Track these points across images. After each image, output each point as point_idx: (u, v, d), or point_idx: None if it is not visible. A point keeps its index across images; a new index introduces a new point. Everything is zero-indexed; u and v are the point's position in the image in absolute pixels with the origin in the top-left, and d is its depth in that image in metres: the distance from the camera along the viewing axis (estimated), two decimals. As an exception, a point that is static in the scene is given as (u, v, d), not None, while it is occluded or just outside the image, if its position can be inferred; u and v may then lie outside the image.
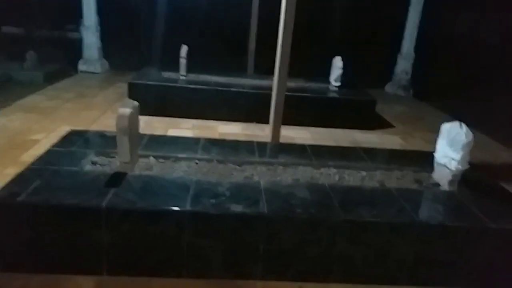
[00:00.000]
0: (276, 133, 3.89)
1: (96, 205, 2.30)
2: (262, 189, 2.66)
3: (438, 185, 3.04)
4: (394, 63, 8.41)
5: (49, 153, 2.98)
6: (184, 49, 5.81)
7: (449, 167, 2.93)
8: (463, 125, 2.88)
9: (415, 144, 5.14)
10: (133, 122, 2.71)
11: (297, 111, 5.05)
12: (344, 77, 6.13)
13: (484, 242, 2.50)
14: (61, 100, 5.84)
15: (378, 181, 3.06)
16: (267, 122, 4.04)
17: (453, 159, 2.90)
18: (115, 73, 7.91)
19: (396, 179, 3.12)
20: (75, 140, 3.22)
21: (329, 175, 3.08)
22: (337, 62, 5.98)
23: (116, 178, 2.63)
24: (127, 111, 2.65)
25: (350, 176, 3.09)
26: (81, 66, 7.88)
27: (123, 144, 2.68)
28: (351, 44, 8.03)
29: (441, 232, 2.48)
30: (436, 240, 2.48)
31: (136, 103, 2.78)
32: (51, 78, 6.85)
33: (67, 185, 2.49)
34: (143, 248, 2.40)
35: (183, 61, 5.84)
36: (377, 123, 5.81)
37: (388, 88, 8.45)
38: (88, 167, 2.83)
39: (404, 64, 8.30)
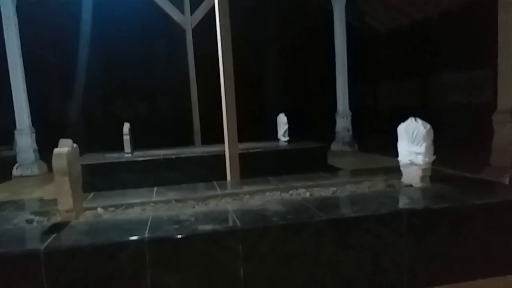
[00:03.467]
0: (235, 175, 3.67)
1: (34, 249, 1.86)
2: (230, 211, 2.37)
3: (410, 185, 2.92)
4: (334, 122, 8.79)
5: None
6: (126, 126, 5.64)
7: (417, 162, 2.85)
8: (418, 119, 2.89)
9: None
10: (72, 162, 2.39)
11: (252, 168, 4.91)
12: (290, 135, 6.22)
13: (472, 220, 2.33)
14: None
15: (350, 192, 2.88)
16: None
17: (418, 153, 2.84)
18: (54, 173, 7.39)
19: (368, 187, 2.96)
20: (5, 207, 2.76)
21: (299, 194, 2.85)
22: (282, 118, 6.09)
23: (57, 226, 2.21)
24: (64, 149, 2.35)
25: (320, 192, 2.88)
26: (15, 171, 7.30)
27: (63, 187, 2.32)
28: (291, 105, 8.36)
29: (430, 216, 2.28)
30: (426, 226, 2.27)
31: (74, 144, 2.49)
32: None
33: (-5, 240, 2.03)
34: (96, 298, 1.92)
35: (126, 139, 5.62)
36: (332, 170, 5.77)
37: (334, 146, 8.68)
38: (22, 224, 2.37)
39: (343, 122, 8.67)
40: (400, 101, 9.60)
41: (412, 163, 2.89)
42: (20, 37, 7.07)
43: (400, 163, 3.04)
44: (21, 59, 7.12)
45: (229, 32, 3.93)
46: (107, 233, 2.06)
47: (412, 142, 2.89)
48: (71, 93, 8.76)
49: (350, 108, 8.59)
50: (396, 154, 3.04)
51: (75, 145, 2.49)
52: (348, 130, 8.64)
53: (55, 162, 2.30)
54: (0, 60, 7.06)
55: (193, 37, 7.86)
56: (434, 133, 2.81)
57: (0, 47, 7.01)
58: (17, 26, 7.04)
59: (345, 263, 2.16)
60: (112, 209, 2.66)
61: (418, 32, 8.90)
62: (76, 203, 2.39)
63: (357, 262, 2.17)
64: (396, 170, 3.11)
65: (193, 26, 7.84)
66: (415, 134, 2.86)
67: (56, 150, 2.32)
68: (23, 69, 7.17)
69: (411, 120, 2.93)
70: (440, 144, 2.97)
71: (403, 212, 2.25)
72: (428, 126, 2.81)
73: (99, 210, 2.65)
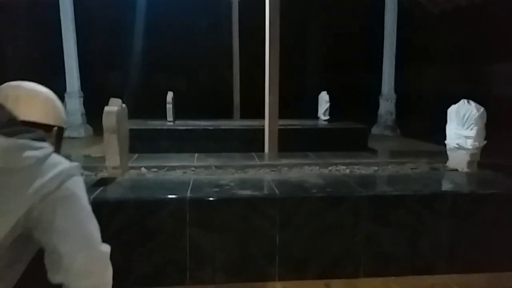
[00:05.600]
0: (273, 149, 3.68)
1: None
2: (269, 180, 2.39)
3: (456, 170, 2.81)
4: (377, 105, 8.56)
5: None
6: (169, 95, 5.76)
7: (465, 146, 2.73)
8: (470, 101, 2.75)
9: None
10: (121, 121, 2.48)
11: (290, 144, 4.90)
12: (331, 115, 6.12)
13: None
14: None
15: (392, 172, 2.82)
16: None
17: (467, 137, 2.72)
18: (100, 137, 7.74)
19: (411, 169, 2.89)
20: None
21: (338, 170, 2.82)
22: (324, 96, 6.00)
23: (104, 180, 2.32)
24: (114, 108, 2.44)
25: (361, 170, 2.84)
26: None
27: (112, 145, 2.42)
28: (333, 84, 8.19)
29: (475, 200, 2.19)
30: (470, 211, 2.19)
31: (123, 104, 2.58)
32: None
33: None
34: (137, 249, 2.02)
35: (169, 107, 5.75)
36: (372, 153, 5.66)
37: (375, 129, 8.47)
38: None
39: (386, 105, 8.43)
40: (448, 88, 9.16)
41: (460, 147, 2.78)
42: (74, 4, 7.31)
43: (447, 147, 2.92)
44: (74, 25, 7.37)
45: (278, 4, 3.87)
46: (151, 190, 2.15)
47: (462, 125, 2.76)
48: (117, 62, 9.01)
49: (395, 91, 8.31)
50: (440, 141, 2.93)
51: (124, 105, 2.57)
52: (391, 114, 8.40)
53: (105, 120, 2.39)
54: (55, 26, 7.34)
55: (238, 10, 7.81)
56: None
57: (55, 14, 7.29)
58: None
59: (383, 240, 2.14)
60: (155, 170, 2.75)
61: (475, 15, 8.37)
62: (122, 161, 2.49)
63: (395, 240, 2.14)
64: (441, 154, 3.00)
65: (239, -1, 7.79)
66: (466, 116, 2.73)
67: (106, 108, 2.41)
68: (75, 35, 7.44)
69: (463, 102, 2.80)
70: (490, 134, 2.82)
71: (447, 194, 2.18)
72: (482, 109, 2.68)
73: (143, 169, 2.76)
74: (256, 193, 2.11)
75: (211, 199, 2.04)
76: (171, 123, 5.71)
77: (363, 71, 8.93)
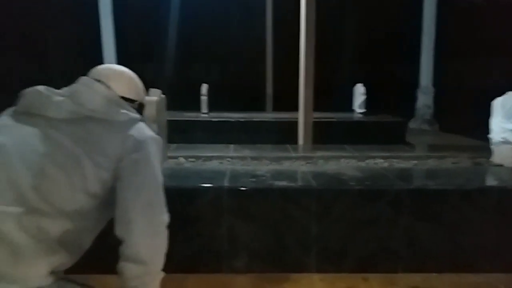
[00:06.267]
0: (308, 142, 3.65)
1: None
2: (306, 171, 2.38)
3: (501, 165, 2.69)
4: (415, 98, 8.31)
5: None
6: (204, 87, 5.83)
7: (511, 140, 2.61)
8: (518, 93, 2.63)
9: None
10: (160, 111, 2.53)
11: (324, 137, 4.84)
12: (366, 108, 5.99)
13: None
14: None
15: (432, 166, 2.74)
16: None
17: (514, 131, 2.60)
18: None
19: (452, 163, 2.79)
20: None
21: (376, 164, 2.77)
22: (360, 89, 5.88)
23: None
24: (154, 98, 2.49)
25: (400, 164, 2.77)
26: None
27: (151, 134, 2.48)
28: (369, 77, 8.02)
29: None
30: (519, 209, 2.09)
31: (162, 94, 2.63)
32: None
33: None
34: (176, 237, 2.06)
35: (204, 99, 5.81)
36: (410, 147, 5.51)
37: (412, 123, 8.21)
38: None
39: (424, 99, 8.17)
40: (491, 81, 8.75)
41: (505, 141, 2.66)
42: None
43: (492, 141, 2.81)
44: (112, 18, 7.58)
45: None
46: (189, 179, 2.19)
47: (508, 118, 2.64)
48: (152, 54, 9.19)
49: (434, 84, 8.03)
50: (483, 136, 2.81)
51: (163, 95, 2.62)
52: (430, 108, 8.13)
53: (145, 109, 2.45)
54: (94, 21, 7.57)
55: (273, 0, 7.77)
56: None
57: (94, 8, 7.51)
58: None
59: (423, 236, 2.08)
60: (193, 159, 2.80)
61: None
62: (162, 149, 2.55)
63: (436, 236, 2.08)
64: (484, 149, 2.88)
65: (274, -10, 7.74)
66: (513, 109, 2.61)
67: (147, 98, 2.45)
68: (113, 28, 7.66)
69: (509, 94, 2.68)
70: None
71: (492, 189, 2.10)
72: (531, 102, 2.55)
73: (181, 159, 2.82)
74: (292, 184, 2.11)
75: (247, 189, 2.06)
76: (206, 115, 5.78)
77: (401, 63, 8.66)
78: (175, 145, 3.13)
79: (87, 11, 7.57)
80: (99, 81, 1.32)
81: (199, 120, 5.39)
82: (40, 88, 1.25)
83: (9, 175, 1.05)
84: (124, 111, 1.27)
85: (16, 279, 1.00)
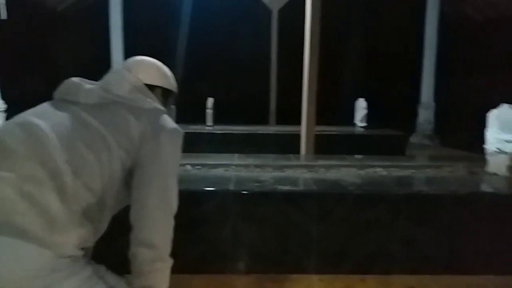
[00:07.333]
0: (310, 153, 3.77)
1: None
2: (307, 178, 2.49)
3: (495, 174, 2.80)
4: (416, 113, 8.43)
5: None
6: (210, 101, 5.99)
7: (506, 150, 2.72)
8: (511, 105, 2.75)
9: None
10: (170, 120, 2.67)
11: (326, 150, 4.96)
12: (368, 122, 6.12)
13: None
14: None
15: (429, 174, 2.84)
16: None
17: (508, 141, 2.71)
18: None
19: (448, 172, 2.89)
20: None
21: (375, 172, 2.88)
22: (361, 103, 6.02)
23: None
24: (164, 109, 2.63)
25: (398, 172, 2.88)
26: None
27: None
28: (371, 92, 8.17)
29: (515, 203, 2.20)
30: (509, 213, 2.19)
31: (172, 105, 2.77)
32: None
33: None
34: (184, 238, 2.18)
35: (209, 112, 5.97)
36: (409, 159, 5.61)
37: (414, 138, 8.32)
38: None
39: (425, 114, 8.28)
40: (490, 98, 8.88)
41: (500, 151, 2.77)
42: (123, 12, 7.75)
43: (486, 151, 2.91)
44: (122, 34, 7.82)
45: (318, 13, 3.98)
46: (197, 183, 2.31)
47: (503, 129, 2.76)
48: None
49: (435, 100, 8.17)
50: (481, 149, 2.92)
51: (173, 106, 2.77)
52: (430, 123, 8.25)
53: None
54: (105, 36, 7.81)
55: (278, 18, 8.00)
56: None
57: (105, 23, 7.76)
58: (121, 3, 7.71)
59: (419, 239, 2.18)
60: (199, 167, 2.92)
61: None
62: (169, 157, 2.68)
63: (432, 239, 2.18)
64: (480, 159, 2.99)
65: (279, 7, 7.97)
66: (507, 120, 2.73)
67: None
68: (123, 43, 7.88)
69: (504, 107, 2.80)
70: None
71: (485, 195, 2.21)
72: (524, 113, 2.67)
73: (188, 166, 2.93)
74: (294, 188, 2.23)
75: (252, 192, 2.17)
76: (211, 128, 5.93)
77: (402, 79, 8.84)
78: (181, 154, 3.26)
79: (98, 31, 7.82)
80: (129, 71, 1.43)
81: (204, 133, 5.54)
82: (74, 79, 1.38)
83: (47, 150, 1.15)
84: (149, 100, 1.37)
85: (51, 245, 1.06)
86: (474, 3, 8.87)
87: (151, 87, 1.46)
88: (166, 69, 1.56)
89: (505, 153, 2.73)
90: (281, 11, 7.94)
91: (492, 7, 8.59)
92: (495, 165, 2.82)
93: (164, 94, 1.53)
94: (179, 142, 1.39)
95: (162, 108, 1.41)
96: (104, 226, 1.28)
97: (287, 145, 4.77)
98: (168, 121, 1.37)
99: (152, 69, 1.50)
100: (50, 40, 7.85)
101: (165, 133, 1.32)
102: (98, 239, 1.28)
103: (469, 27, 9.54)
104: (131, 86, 1.37)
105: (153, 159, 1.29)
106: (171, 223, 1.35)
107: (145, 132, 1.28)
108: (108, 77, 1.42)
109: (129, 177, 1.30)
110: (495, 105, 2.88)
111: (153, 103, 1.38)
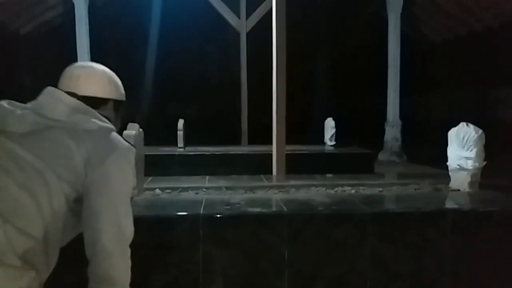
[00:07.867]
0: (281, 173, 3.81)
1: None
2: (278, 199, 2.51)
3: (458, 190, 2.91)
4: (382, 131, 8.67)
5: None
6: (180, 122, 5.97)
7: (466, 167, 2.84)
8: (469, 124, 2.88)
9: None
10: (138, 144, 2.64)
11: (297, 169, 5.01)
12: (337, 141, 6.25)
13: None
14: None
15: (396, 192, 2.92)
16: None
17: (468, 158, 2.83)
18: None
19: (414, 190, 2.98)
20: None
21: (344, 191, 2.93)
22: (330, 122, 6.16)
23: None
24: (132, 132, 2.60)
25: (366, 191, 2.94)
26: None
27: (129, 166, 2.57)
28: (339, 111, 8.38)
29: (476, 218, 2.28)
30: (471, 229, 2.27)
31: (140, 129, 2.75)
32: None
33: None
34: (153, 264, 2.13)
35: (180, 134, 5.94)
36: (378, 176, 5.74)
37: (381, 155, 8.54)
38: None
39: (392, 132, 8.52)
40: (453, 115, 9.30)
41: (461, 168, 2.88)
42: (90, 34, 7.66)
43: (449, 168, 3.03)
44: (89, 55, 7.71)
45: (284, 34, 4.10)
46: (166, 208, 2.28)
47: (462, 147, 2.88)
48: (129, 90, 9.32)
49: (401, 118, 8.45)
50: (446, 167, 3.02)
51: (141, 129, 2.74)
52: (397, 140, 8.49)
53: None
54: (72, 56, 7.68)
55: (246, 39, 8.13)
56: (489, 149, 2.78)
57: (72, 44, 7.64)
58: (88, 26, 7.62)
59: (388, 257, 2.22)
60: (169, 191, 2.88)
61: (477, 43, 8.61)
62: (139, 182, 2.63)
63: (400, 257, 2.22)
64: (444, 176, 3.10)
65: (247, 30, 8.11)
66: (466, 139, 2.85)
67: (125, 132, 2.57)
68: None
69: (462, 125, 2.93)
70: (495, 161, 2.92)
71: (448, 211, 2.28)
72: (480, 131, 2.80)
73: (157, 190, 2.89)
74: (265, 210, 2.23)
75: (222, 216, 2.16)
76: (182, 149, 5.88)
77: (369, 98, 9.13)
78: (151, 177, 3.21)
79: (65, 53, 7.68)
80: (67, 90, 1.28)
81: (175, 154, 5.49)
82: (2, 102, 1.22)
83: None
84: (94, 119, 1.21)
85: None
86: (431, 25, 9.36)
87: (102, 101, 1.33)
88: (116, 77, 1.42)
89: (466, 169, 2.84)
90: (250, 34, 8.09)
91: (448, 29, 9.09)
92: (458, 181, 2.94)
93: (115, 106, 1.40)
94: (130, 161, 1.26)
95: (109, 126, 1.27)
96: (52, 262, 1.18)
97: (259, 165, 4.80)
98: (117, 140, 1.24)
99: (103, 81, 1.35)
100: (14, 63, 7.66)
101: (113, 155, 1.19)
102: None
103: (428, 48, 10.05)
104: (69, 108, 1.20)
105: (101, 189, 1.16)
106: (127, 252, 1.24)
107: (90, 158, 1.15)
108: (40, 99, 1.24)
109: (78, 206, 1.18)
110: (456, 123, 3.01)
111: (98, 122, 1.22)
